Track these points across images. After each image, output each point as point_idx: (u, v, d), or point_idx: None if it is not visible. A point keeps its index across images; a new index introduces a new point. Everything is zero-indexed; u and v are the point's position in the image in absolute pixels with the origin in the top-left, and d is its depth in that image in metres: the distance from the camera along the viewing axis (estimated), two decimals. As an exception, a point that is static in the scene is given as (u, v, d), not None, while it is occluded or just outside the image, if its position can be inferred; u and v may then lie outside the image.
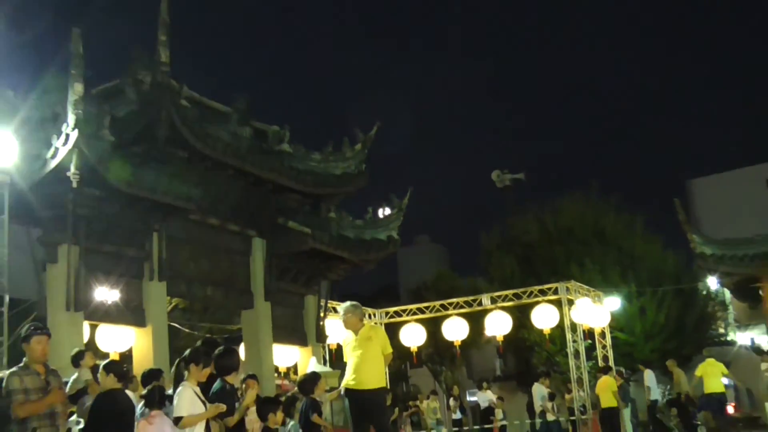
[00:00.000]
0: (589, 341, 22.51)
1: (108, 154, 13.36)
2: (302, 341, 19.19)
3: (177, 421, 7.25)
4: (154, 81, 14.42)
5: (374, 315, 20.92)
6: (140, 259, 15.20)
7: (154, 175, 14.37)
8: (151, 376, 9.28)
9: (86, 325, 13.98)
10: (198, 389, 7.50)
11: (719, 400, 19.14)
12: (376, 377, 9.35)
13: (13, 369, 7.41)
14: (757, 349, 32.63)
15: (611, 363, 22.29)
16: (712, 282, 33.35)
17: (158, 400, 8.42)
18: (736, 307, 38.63)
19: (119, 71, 15.89)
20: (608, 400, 19.00)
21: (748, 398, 24.15)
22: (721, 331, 38.66)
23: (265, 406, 9.54)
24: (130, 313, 14.87)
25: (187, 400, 7.31)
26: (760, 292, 24.68)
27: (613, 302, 24.66)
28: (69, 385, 9.29)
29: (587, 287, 22.57)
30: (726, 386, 20.65)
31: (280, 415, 9.59)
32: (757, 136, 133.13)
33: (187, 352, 8.41)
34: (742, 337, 40.57)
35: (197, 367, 7.61)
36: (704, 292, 35.22)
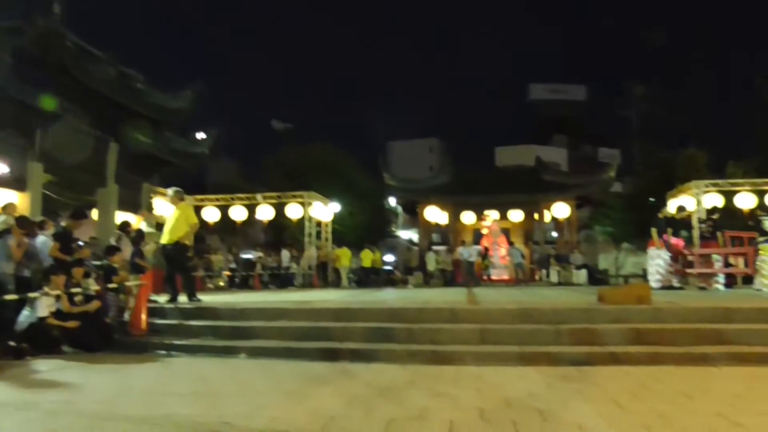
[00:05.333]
0: (319, 228, 23.07)
1: (8, 73, 11.70)
2: (137, 211, 18.12)
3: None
4: (48, 26, 12.74)
5: (187, 198, 19.99)
6: (25, 146, 13.51)
7: (41, 91, 12.76)
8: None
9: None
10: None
11: (368, 270, 21.55)
12: (179, 236, 9.01)
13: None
14: (410, 241, 34.92)
15: (331, 243, 23.04)
16: (392, 201, 35.39)
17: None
18: (403, 217, 41.21)
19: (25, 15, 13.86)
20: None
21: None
22: (394, 229, 41.32)
23: (108, 250, 9.00)
24: (15, 181, 13.24)
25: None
26: (417, 210, 26.46)
27: (335, 206, 25.17)
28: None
29: (321, 196, 22.94)
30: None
31: (119, 256, 9.04)
32: (426, 120, 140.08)
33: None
34: (404, 234, 43.71)
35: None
36: (387, 206, 37.32)
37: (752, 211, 17.40)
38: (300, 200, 21.10)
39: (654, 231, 12.20)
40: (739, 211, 18.55)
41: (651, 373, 4.72)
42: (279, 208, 21.41)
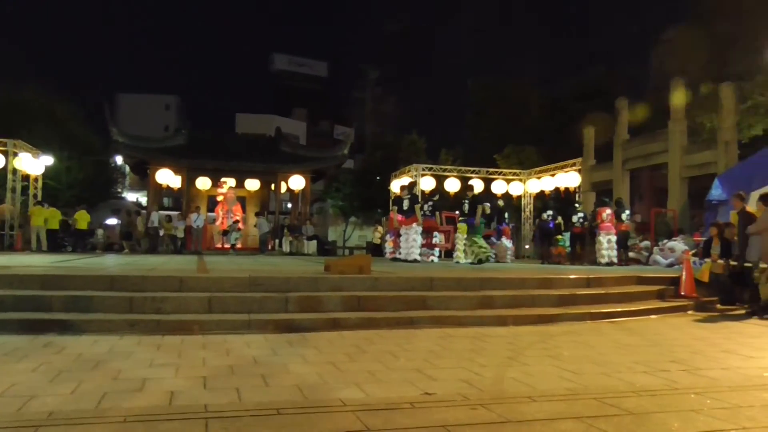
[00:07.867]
0: (26, 183, 20.29)
1: None
2: None
3: None
4: None
5: None
6: None
7: None
8: None
9: None
10: None
11: (84, 233, 19.79)
12: None
13: None
14: (138, 204, 32.64)
15: (41, 200, 20.26)
16: (119, 159, 32.69)
17: None
18: (131, 177, 38.50)
19: None
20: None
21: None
22: (120, 190, 38.51)
23: None
24: None
25: None
26: (148, 171, 24.77)
27: (47, 159, 22.14)
28: None
29: (30, 146, 20.06)
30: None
31: None
32: (159, 77, 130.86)
33: None
34: (131, 196, 41.14)
35: None
36: (113, 164, 34.64)
37: (456, 194, 20.11)
38: (2, 148, 18.24)
39: (417, 208, 13.31)
40: (448, 193, 21.31)
41: (366, 336, 5.20)
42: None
